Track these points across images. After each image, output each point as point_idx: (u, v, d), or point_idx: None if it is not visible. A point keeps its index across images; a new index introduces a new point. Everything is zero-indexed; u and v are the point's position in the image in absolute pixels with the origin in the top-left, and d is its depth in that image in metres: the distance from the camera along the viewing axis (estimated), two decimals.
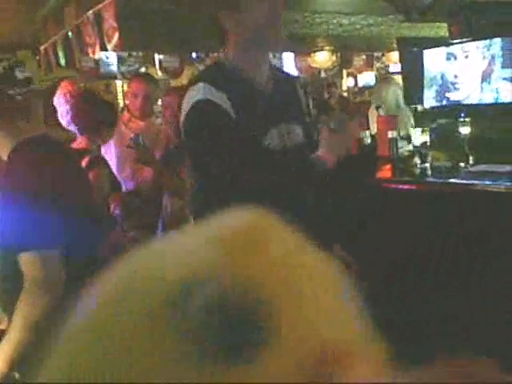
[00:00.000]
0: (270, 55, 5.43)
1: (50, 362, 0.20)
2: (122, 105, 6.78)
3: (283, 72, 1.71)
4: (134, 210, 2.48)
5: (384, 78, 5.41)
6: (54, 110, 2.26)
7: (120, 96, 6.81)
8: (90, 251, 1.49)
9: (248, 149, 1.34)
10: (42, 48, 5.40)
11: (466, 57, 3.38)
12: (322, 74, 6.44)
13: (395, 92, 4.23)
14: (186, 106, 1.37)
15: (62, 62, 4.87)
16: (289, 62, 5.80)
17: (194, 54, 5.24)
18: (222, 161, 1.32)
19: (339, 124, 1.39)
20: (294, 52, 5.75)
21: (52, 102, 2.26)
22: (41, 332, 1.26)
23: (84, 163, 2.06)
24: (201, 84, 1.34)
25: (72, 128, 2.22)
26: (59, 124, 2.25)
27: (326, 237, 1.50)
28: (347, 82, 7.83)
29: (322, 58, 6.01)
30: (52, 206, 1.32)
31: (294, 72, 5.92)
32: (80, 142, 2.20)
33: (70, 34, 4.49)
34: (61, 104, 2.21)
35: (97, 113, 2.16)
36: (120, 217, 2.38)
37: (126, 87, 6.60)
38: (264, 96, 1.42)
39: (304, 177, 1.45)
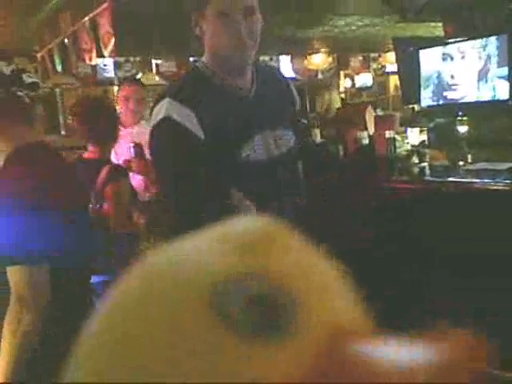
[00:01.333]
0: (267, 58, 5.46)
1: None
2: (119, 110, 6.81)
3: (273, 70, 1.61)
4: (159, 217, 2.42)
5: None
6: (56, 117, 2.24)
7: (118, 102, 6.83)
8: (83, 263, 1.47)
9: (220, 166, 1.25)
10: (38, 55, 5.41)
11: (463, 57, 3.39)
12: (319, 76, 6.44)
13: None
14: (151, 123, 1.31)
15: (59, 68, 4.89)
16: (285, 65, 5.81)
17: (191, 59, 5.25)
18: (183, 185, 1.25)
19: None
20: (290, 54, 5.76)
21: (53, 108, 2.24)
22: (34, 345, 1.25)
23: (104, 174, 2.03)
24: (166, 99, 1.26)
25: (81, 137, 2.20)
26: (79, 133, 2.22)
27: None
28: (344, 83, 7.85)
29: (319, 60, 6.02)
30: (41, 217, 1.27)
31: (290, 74, 5.93)
32: (92, 152, 2.16)
33: (66, 40, 4.50)
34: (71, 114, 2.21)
35: (105, 121, 2.14)
36: (145, 226, 2.30)
37: None
38: (246, 102, 1.33)
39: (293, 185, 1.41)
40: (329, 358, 0.20)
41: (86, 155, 2.19)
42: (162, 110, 1.25)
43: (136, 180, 2.44)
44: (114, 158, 2.41)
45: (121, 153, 2.51)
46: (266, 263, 0.22)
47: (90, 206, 1.93)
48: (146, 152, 2.41)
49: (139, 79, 3.52)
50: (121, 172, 2.13)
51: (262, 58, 5.39)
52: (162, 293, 0.21)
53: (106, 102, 2.55)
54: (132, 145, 2.42)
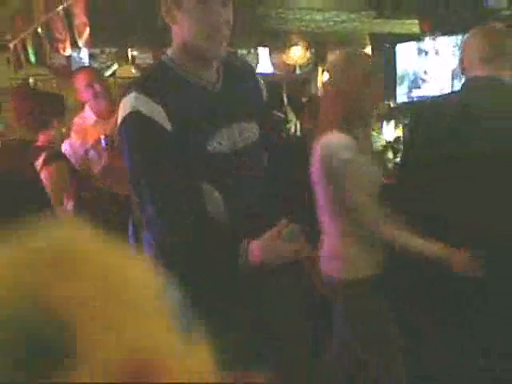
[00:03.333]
0: (244, 51, 5.43)
1: None
2: None
3: (241, 62, 1.59)
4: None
5: None
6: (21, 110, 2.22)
7: None
8: None
9: (188, 158, 1.27)
10: (10, 44, 5.28)
11: (437, 53, 3.43)
12: (297, 71, 6.44)
13: None
14: (118, 118, 1.30)
15: (32, 58, 4.77)
16: (264, 58, 5.80)
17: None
18: (153, 178, 1.26)
19: (289, 236, 1.22)
20: (268, 47, 5.75)
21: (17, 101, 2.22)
22: None
23: (41, 161, 2.05)
24: (133, 94, 1.26)
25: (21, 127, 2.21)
26: (27, 124, 2.22)
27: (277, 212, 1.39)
28: (322, 78, 7.87)
29: (297, 55, 6.02)
30: None
31: (268, 68, 5.92)
32: (40, 140, 2.18)
33: (39, 29, 4.40)
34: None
35: (35, 106, 2.12)
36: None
37: None
38: (211, 96, 1.33)
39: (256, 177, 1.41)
40: None
41: (37, 144, 2.21)
42: (128, 103, 1.25)
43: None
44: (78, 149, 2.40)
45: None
46: (47, 289, 0.18)
47: None
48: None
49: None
50: (54, 156, 2.16)
51: (240, 52, 5.38)
52: None
53: (34, 87, 2.54)
54: (103, 137, 2.40)
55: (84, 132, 2.54)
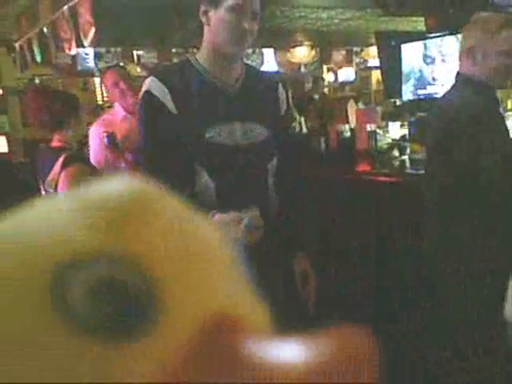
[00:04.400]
0: (249, 51, 5.42)
1: None
2: (100, 101, 6.71)
3: (265, 75, 1.77)
4: None
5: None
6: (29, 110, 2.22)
7: (98, 93, 6.74)
8: None
9: (184, 137, 1.44)
10: (17, 44, 5.31)
11: (444, 52, 3.41)
12: (302, 69, 6.43)
13: None
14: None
15: (38, 58, 4.79)
16: (269, 57, 5.79)
17: (173, 50, 5.20)
18: (152, 148, 1.47)
19: (249, 223, 1.30)
20: (273, 47, 5.74)
21: (33, 99, 2.22)
22: None
23: (60, 162, 2.03)
24: (150, 78, 1.48)
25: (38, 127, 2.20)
26: (43, 123, 2.21)
27: (290, 244, 1.54)
28: (328, 78, 7.85)
29: (302, 53, 6.01)
30: None
31: (273, 67, 5.91)
32: (55, 140, 2.16)
33: (45, 29, 4.41)
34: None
35: (52, 104, 2.12)
36: None
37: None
38: (223, 95, 1.49)
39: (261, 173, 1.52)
40: (201, 355, 0.17)
41: (51, 144, 2.19)
42: (145, 85, 1.47)
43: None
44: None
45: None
46: (127, 242, 0.18)
47: (43, 192, 2.00)
48: (119, 142, 2.42)
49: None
50: (75, 158, 2.14)
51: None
52: None
53: (52, 89, 2.54)
54: (105, 134, 2.41)
55: (112, 127, 2.56)
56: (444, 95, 1.85)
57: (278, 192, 1.55)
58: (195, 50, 1.63)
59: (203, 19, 1.45)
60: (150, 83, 1.45)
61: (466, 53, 1.71)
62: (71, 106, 2.19)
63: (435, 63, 3.56)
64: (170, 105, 1.42)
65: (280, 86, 1.64)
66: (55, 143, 2.15)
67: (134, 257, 0.17)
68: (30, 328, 0.16)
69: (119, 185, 0.20)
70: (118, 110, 2.67)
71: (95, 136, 2.54)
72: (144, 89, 1.47)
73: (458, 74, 1.78)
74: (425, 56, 3.63)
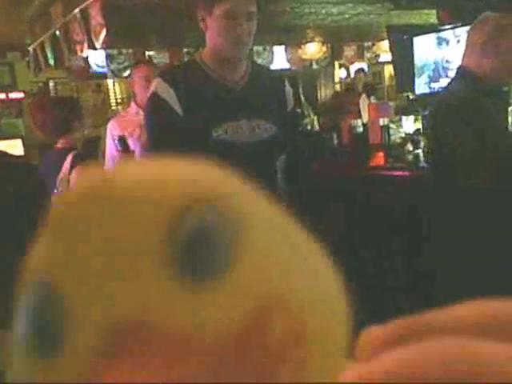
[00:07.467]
0: (260, 48, 5.42)
1: None
2: (114, 103, 6.76)
3: (271, 72, 1.80)
4: None
5: None
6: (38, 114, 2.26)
7: (112, 94, 6.78)
8: None
9: (191, 137, 1.44)
10: (30, 48, 5.37)
11: (458, 41, 3.37)
12: (314, 66, 6.40)
13: None
14: None
15: (51, 61, 4.84)
16: (280, 55, 5.78)
17: (184, 50, 5.21)
18: (158, 150, 1.47)
19: None
20: (284, 44, 5.73)
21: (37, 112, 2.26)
22: None
23: (68, 161, 2.08)
24: (157, 79, 1.51)
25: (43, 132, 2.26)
26: (49, 132, 2.26)
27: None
28: (340, 74, 7.81)
29: (313, 50, 5.99)
30: None
31: (285, 64, 5.90)
32: (60, 143, 2.22)
33: (57, 32, 4.46)
34: None
35: (56, 115, 2.17)
36: None
37: (116, 85, 6.58)
38: (229, 92, 1.50)
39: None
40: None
41: (57, 145, 2.24)
42: (152, 86, 1.50)
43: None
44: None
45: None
46: (234, 200, 0.18)
47: (55, 191, 2.02)
48: (131, 144, 2.43)
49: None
50: (85, 155, 2.20)
51: (255, 49, 5.36)
52: (121, 211, 0.17)
53: (49, 98, 2.59)
54: (117, 138, 2.42)
55: (125, 123, 2.58)
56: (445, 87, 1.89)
57: (287, 188, 1.56)
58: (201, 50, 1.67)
59: (201, 25, 1.50)
60: (156, 84, 1.48)
61: (477, 47, 1.71)
62: (71, 110, 2.25)
63: (448, 49, 3.50)
64: (177, 106, 1.44)
65: (286, 82, 1.65)
66: (60, 145, 2.21)
67: (234, 210, 0.18)
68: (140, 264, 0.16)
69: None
70: (133, 108, 2.68)
71: (109, 135, 2.57)
72: (151, 91, 1.49)
73: (459, 67, 1.81)
74: (438, 40, 3.57)
